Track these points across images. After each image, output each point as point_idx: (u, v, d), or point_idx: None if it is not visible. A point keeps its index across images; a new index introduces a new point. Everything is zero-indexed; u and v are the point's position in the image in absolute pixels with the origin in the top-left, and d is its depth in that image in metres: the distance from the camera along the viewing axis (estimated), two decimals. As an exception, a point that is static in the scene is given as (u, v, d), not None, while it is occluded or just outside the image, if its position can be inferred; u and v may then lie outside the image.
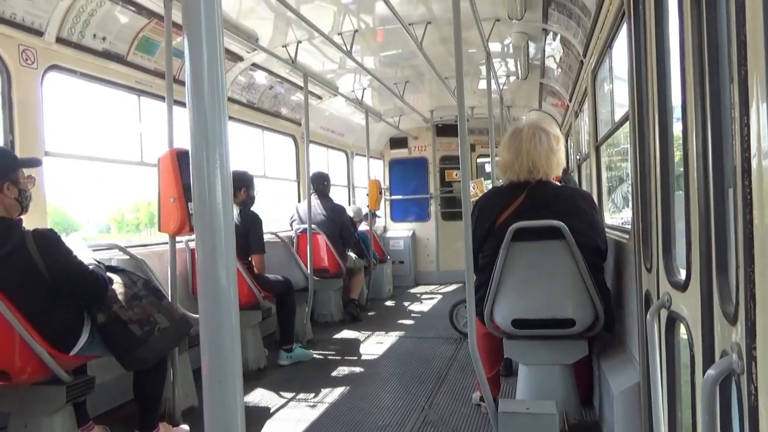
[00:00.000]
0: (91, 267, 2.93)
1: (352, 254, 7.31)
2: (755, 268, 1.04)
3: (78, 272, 2.83)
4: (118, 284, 3.06)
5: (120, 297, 2.98)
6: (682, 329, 1.75)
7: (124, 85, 4.45)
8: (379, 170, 10.56)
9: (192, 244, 4.83)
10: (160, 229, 3.41)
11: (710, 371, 1.18)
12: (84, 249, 3.09)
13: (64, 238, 2.86)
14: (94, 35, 3.99)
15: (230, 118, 5.97)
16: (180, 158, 3.35)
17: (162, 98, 3.76)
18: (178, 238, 3.73)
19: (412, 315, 7.46)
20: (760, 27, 0.96)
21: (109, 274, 3.08)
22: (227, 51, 5.34)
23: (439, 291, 9.39)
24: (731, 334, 1.21)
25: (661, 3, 1.95)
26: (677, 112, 1.69)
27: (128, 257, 3.90)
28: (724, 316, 1.26)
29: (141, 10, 4.14)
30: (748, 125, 1.04)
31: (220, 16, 0.92)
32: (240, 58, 5.57)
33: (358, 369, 4.91)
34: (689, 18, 1.48)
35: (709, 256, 1.40)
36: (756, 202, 1.03)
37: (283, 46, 5.51)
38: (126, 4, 4.01)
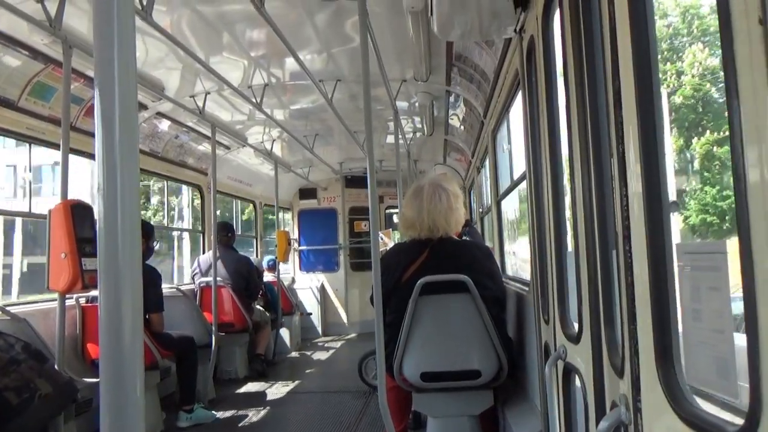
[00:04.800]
0: None
1: (258, 307, 7.10)
2: (637, 326, 1.14)
3: None
4: (-7, 348, 2.78)
5: None
6: (578, 379, 1.85)
7: (15, 132, 4.16)
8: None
9: (83, 301, 4.49)
10: (48, 287, 3.15)
11: (602, 423, 1.26)
12: None
13: None
14: (-19, 78, 3.74)
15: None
16: (74, 211, 3.15)
17: (56, 146, 3.55)
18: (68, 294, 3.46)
19: (321, 368, 7.31)
20: (634, 112, 1.09)
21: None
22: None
23: (348, 341, 9.30)
24: (619, 386, 1.30)
25: (551, 79, 2.14)
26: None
27: (8, 318, 3.55)
28: (613, 369, 1.36)
29: (37, 55, 3.92)
30: (627, 196, 1.17)
31: (135, 65, 0.90)
32: (144, 107, 5.40)
33: (263, 428, 4.70)
34: (575, 102, 1.64)
35: (598, 311, 1.51)
36: (636, 266, 1.14)
37: (190, 96, 5.42)
38: (19, 48, 3.80)
